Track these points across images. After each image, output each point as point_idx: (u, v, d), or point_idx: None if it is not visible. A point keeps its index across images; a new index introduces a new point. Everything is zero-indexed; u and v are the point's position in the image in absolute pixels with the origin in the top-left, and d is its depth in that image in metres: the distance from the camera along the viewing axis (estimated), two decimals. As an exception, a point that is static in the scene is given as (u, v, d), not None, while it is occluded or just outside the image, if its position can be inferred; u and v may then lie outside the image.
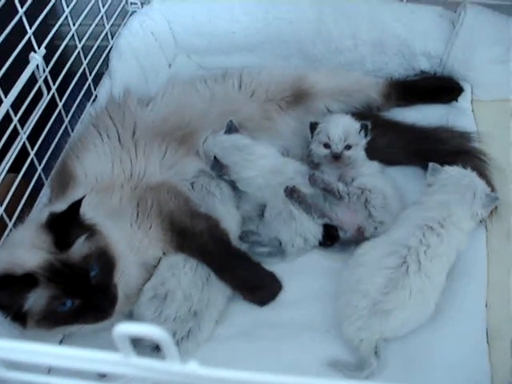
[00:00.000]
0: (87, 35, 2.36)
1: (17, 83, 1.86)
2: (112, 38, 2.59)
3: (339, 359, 1.61)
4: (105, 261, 1.52)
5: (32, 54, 1.95)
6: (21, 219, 1.79)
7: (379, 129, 2.11)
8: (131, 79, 2.37)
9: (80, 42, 2.32)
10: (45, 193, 2.03)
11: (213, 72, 2.33)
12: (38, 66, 1.97)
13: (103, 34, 2.54)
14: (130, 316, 1.70)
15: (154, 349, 1.51)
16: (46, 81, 2.06)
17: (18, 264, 1.41)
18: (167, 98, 2.11)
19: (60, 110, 2.20)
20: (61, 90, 2.19)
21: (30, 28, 1.93)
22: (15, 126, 1.88)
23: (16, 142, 1.91)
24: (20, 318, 1.42)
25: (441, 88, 2.33)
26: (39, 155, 2.05)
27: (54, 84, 2.12)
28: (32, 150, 2.00)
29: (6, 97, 1.79)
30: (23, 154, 1.95)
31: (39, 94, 2.05)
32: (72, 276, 1.43)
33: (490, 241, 1.85)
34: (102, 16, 2.50)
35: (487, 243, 1.84)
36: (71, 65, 2.27)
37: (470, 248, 1.80)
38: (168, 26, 2.61)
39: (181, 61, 2.70)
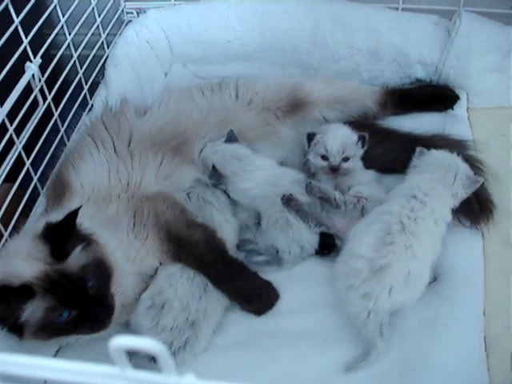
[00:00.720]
0: (83, 44, 2.37)
1: (12, 93, 1.85)
2: (108, 48, 2.59)
3: (350, 361, 1.61)
4: (102, 271, 1.51)
5: (28, 63, 1.95)
6: (17, 229, 1.78)
7: (375, 137, 2.11)
8: (127, 88, 2.37)
9: (76, 51, 2.32)
10: (41, 202, 2.03)
11: (209, 81, 2.33)
12: (33, 75, 1.97)
13: (99, 43, 2.54)
14: (127, 326, 1.69)
15: (150, 359, 1.50)
16: (41, 90, 2.06)
17: (14, 275, 1.40)
18: (164, 107, 2.11)
19: (56, 120, 2.20)
20: (57, 100, 2.19)
21: (26, 37, 1.93)
22: (11, 135, 1.88)
23: (12, 152, 1.91)
24: (17, 329, 1.42)
25: (437, 96, 2.34)
26: (35, 165, 2.05)
27: (49, 93, 2.12)
28: (28, 159, 2.00)
29: (1, 106, 1.79)
30: (19, 163, 1.95)
31: (35, 104, 2.05)
32: (69, 287, 1.42)
33: (487, 248, 1.84)
34: (98, 25, 2.51)
35: (484, 251, 1.84)
36: (67, 74, 2.27)
37: (468, 256, 1.81)
38: (164, 35, 2.61)
39: (177, 70, 2.70)
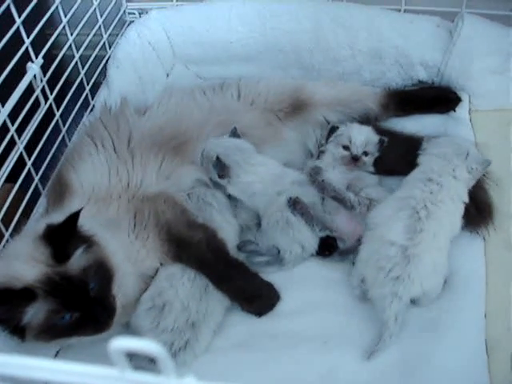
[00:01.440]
0: (85, 45, 2.37)
1: (14, 93, 1.85)
2: (110, 48, 2.59)
3: (368, 347, 1.64)
4: (103, 273, 1.51)
5: (29, 63, 1.94)
6: (17, 229, 1.78)
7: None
8: (129, 89, 2.38)
9: (78, 51, 2.33)
10: (41, 203, 2.03)
11: (211, 82, 2.33)
12: (35, 75, 1.96)
13: (101, 43, 2.55)
14: (128, 327, 1.69)
15: (151, 360, 1.50)
16: (43, 90, 2.06)
17: (16, 278, 1.40)
18: (164, 106, 2.11)
19: (57, 120, 2.20)
20: (58, 100, 2.19)
21: (28, 38, 1.93)
22: (12, 135, 1.88)
23: (13, 152, 1.91)
24: (18, 331, 1.41)
25: (439, 98, 2.33)
26: (36, 165, 2.05)
27: (51, 94, 2.12)
28: (29, 159, 1.99)
29: (3, 107, 1.79)
30: (20, 163, 1.95)
31: (36, 104, 2.05)
32: (71, 289, 1.42)
33: (488, 251, 1.84)
34: (100, 26, 2.51)
35: (486, 254, 1.84)
36: (69, 74, 2.27)
37: (469, 258, 1.81)
38: (166, 36, 2.61)
39: (178, 70, 2.70)
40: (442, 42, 2.36)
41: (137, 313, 1.67)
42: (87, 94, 2.44)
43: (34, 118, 2.03)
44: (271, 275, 1.83)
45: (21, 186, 1.94)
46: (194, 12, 2.58)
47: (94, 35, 2.47)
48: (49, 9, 2.13)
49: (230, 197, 1.99)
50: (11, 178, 1.90)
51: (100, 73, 2.53)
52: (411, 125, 2.25)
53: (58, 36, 2.16)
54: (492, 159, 1.96)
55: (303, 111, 2.20)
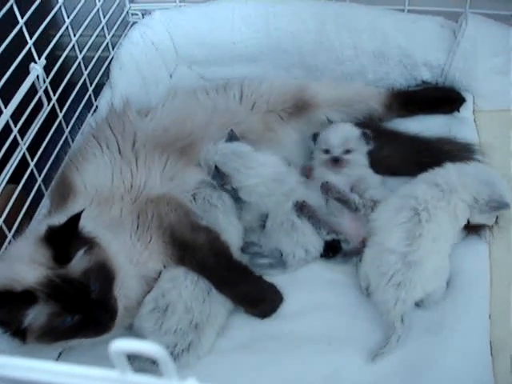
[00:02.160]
0: (88, 46, 2.36)
1: (17, 94, 1.86)
2: (113, 49, 2.59)
3: (373, 349, 1.63)
4: (105, 274, 1.51)
5: (32, 64, 1.95)
6: (20, 230, 1.78)
7: (381, 139, 2.11)
8: (132, 90, 2.37)
9: (81, 52, 2.33)
10: (44, 204, 2.02)
11: (214, 83, 2.33)
12: (38, 76, 1.97)
13: (104, 44, 2.54)
14: (131, 329, 1.69)
15: (153, 362, 1.49)
16: (46, 91, 2.06)
17: (16, 280, 1.40)
18: (168, 107, 2.11)
19: (60, 121, 2.20)
20: (61, 101, 2.19)
21: (31, 38, 1.93)
22: (15, 136, 1.88)
23: (16, 153, 1.91)
24: (20, 333, 1.41)
25: (442, 98, 2.33)
26: (39, 166, 2.05)
27: (54, 94, 2.12)
28: (32, 160, 1.99)
29: (5, 107, 1.79)
30: (23, 164, 1.95)
31: (39, 105, 2.05)
32: (72, 292, 1.42)
33: (492, 253, 1.84)
34: (103, 26, 2.51)
35: (490, 255, 1.83)
36: (72, 75, 2.27)
37: (473, 260, 1.80)
38: (169, 37, 2.61)
39: (182, 71, 2.70)
40: (445, 42, 2.35)
41: (140, 314, 1.67)
42: (90, 95, 2.43)
43: (37, 119, 2.03)
44: (274, 277, 1.82)
45: (23, 186, 1.95)
46: (197, 13, 2.58)
47: (97, 36, 2.47)
48: (52, 9, 2.13)
49: (235, 199, 1.97)
50: (14, 178, 1.90)
51: (103, 74, 2.52)
52: (415, 125, 2.24)
53: (60, 37, 2.16)
54: (496, 160, 1.95)
55: (306, 111, 2.19)
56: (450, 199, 1.74)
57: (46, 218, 1.82)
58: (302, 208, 1.86)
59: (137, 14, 2.74)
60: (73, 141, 2.24)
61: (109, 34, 2.56)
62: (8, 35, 1.82)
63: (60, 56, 2.18)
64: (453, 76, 2.35)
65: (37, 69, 1.95)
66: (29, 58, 1.93)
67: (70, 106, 2.26)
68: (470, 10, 2.33)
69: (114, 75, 2.44)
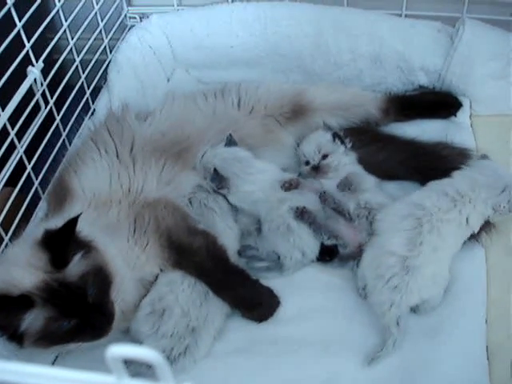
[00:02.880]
0: (85, 49, 2.36)
1: (14, 97, 1.85)
2: (110, 52, 2.58)
3: (369, 353, 1.63)
4: (102, 278, 1.50)
5: (30, 67, 1.94)
6: (17, 233, 1.78)
7: (378, 143, 2.12)
8: (129, 93, 2.37)
9: (78, 55, 2.32)
10: (41, 207, 2.02)
11: (212, 87, 2.33)
12: (35, 79, 1.96)
13: (101, 47, 2.54)
14: (127, 332, 1.68)
15: (149, 366, 1.49)
16: (43, 94, 2.06)
17: (13, 284, 1.40)
18: (166, 112, 2.11)
19: (58, 124, 2.19)
20: (58, 104, 2.18)
21: (29, 41, 1.93)
22: (12, 139, 1.87)
23: (13, 156, 1.91)
24: (16, 337, 1.41)
25: (439, 103, 2.33)
26: (36, 169, 2.04)
27: (51, 98, 2.12)
28: (29, 163, 1.99)
29: (3, 110, 1.79)
30: (20, 167, 1.94)
31: (37, 108, 2.05)
32: (69, 296, 1.42)
33: (489, 257, 1.84)
34: (101, 30, 2.50)
35: (487, 259, 1.83)
36: (69, 78, 2.27)
37: (470, 264, 1.80)
38: (167, 41, 2.61)
39: (179, 75, 2.69)
40: (442, 47, 2.36)
41: (136, 318, 1.67)
42: (88, 99, 2.43)
43: (34, 122, 2.03)
44: (271, 280, 1.82)
45: (21, 189, 1.94)
46: (194, 16, 2.57)
47: (95, 39, 2.47)
48: (50, 13, 2.13)
49: (230, 202, 1.98)
50: (11, 181, 1.90)
51: (101, 77, 2.52)
52: (412, 130, 2.24)
53: (58, 40, 2.16)
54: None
55: (304, 116, 2.19)
56: (461, 209, 1.74)
57: (43, 222, 1.82)
58: (302, 214, 1.86)
59: (135, 18, 2.74)
60: (70, 144, 2.24)
61: (106, 37, 2.55)
62: (6, 38, 1.81)
63: (58, 59, 2.18)
64: (450, 81, 2.36)
65: (34, 72, 1.95)
66: (26, 61, 1.93)
67: (67, 109, 2.25)
68: (467, 15, 2.33)
69: (112, 78, 2.43)
